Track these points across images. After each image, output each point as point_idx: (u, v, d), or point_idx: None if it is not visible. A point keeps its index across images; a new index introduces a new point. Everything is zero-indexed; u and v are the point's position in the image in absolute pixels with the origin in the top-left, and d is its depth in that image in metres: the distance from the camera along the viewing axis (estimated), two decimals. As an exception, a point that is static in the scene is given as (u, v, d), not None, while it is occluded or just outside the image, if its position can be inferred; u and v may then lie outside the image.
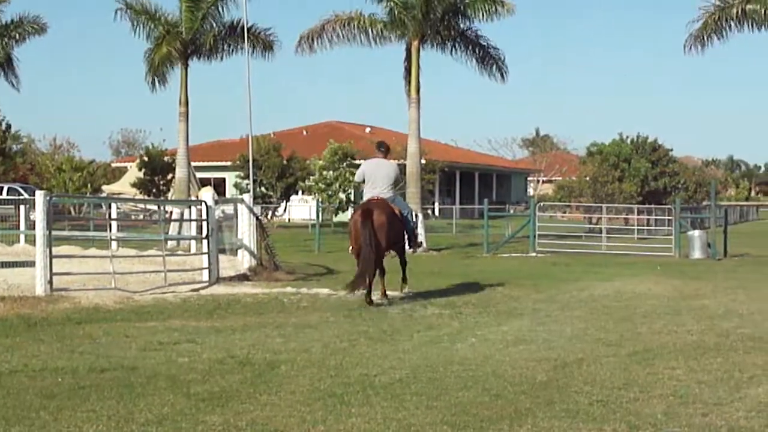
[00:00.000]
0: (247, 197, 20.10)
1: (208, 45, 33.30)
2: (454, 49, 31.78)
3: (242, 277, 17.70)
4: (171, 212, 26.42)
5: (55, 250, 14.69)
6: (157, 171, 45.16)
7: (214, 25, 33.24)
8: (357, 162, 43.38)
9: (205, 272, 16.78)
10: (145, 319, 12.14)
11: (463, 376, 8.45)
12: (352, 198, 44.40)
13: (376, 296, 14.25)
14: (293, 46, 31.88)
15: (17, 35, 39.37)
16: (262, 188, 42.36)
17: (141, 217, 39.65)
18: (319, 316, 12.68)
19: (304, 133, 61.92)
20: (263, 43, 34.24)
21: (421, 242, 16.47)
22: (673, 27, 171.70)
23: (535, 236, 28.16)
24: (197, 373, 8.51)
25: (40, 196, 14.35)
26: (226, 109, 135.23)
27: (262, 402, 7.42)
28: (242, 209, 19.27)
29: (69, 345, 9.98)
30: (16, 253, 20.47)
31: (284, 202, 44.33)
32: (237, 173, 43.73)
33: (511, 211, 51.97)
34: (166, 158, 45.09)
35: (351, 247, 14.69)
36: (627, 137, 50.16)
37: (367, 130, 62.83)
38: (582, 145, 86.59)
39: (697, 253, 25.92)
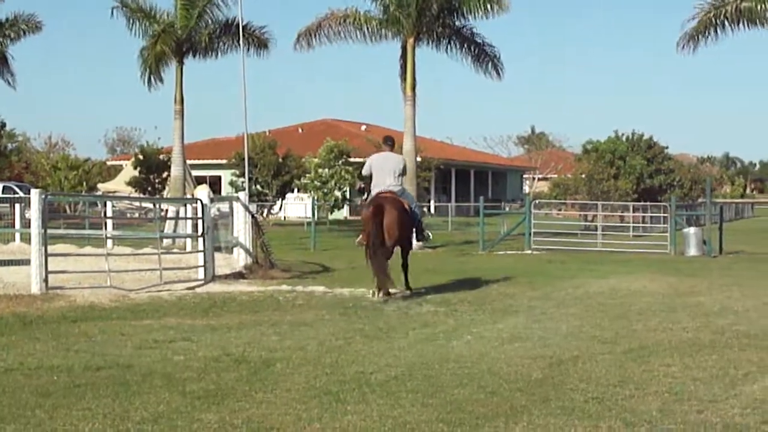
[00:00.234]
0: (243, 195, 20.06)
1: (203, 43, 33.26)
2: (449, 46, 31.77)
3: (238, 275, 17.69)
4: (166, 210, 26.42)
5: (51, 249, 14.68)
6: (152, 169, 45.15)
7: (209, 22, 33.19)
8: (352, 160, 43.45)
9: (201, 270, 16.77)
10: (141, 317, 12.13)
11: (459, 374, 8.46)
12: (348, 196, 44.42)
13: (393, 290, 14.66)
14: (290, 44, 31.81)
15: (12, 34, 39.29)
16: (258, 186, 42.35)
17: (136, 215, 39.63)
18: (314, 313, 12.67)
19: (300, 130, 61.88)
20: (258, 40, 34.20)
21: (429, 235, 16.63)
22: (669, 25, 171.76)
23: (530, 234, 28.19)
24: (193, 371, 8.51)
25: (35, 194, 14.33)
26: (221, 107, 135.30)
27: (258, 400, 7.42)
28: (238, 207, 19.26)
29: (64, 343, 9.97)
30: (11, 251, 20.46)
31: (280, 200, 44.33)
32: (232, 171, 43.74)
33: (507, 209, 52.01)
34: (161, 156, 45.07)
35: (363, 242, 14.97)
36: (622, 135, 50.22)
37: (363, 127, 62.82)
38: (577, 142, 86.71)
39: (692, 251, 25.95)
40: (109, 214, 26.76)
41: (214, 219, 18.53)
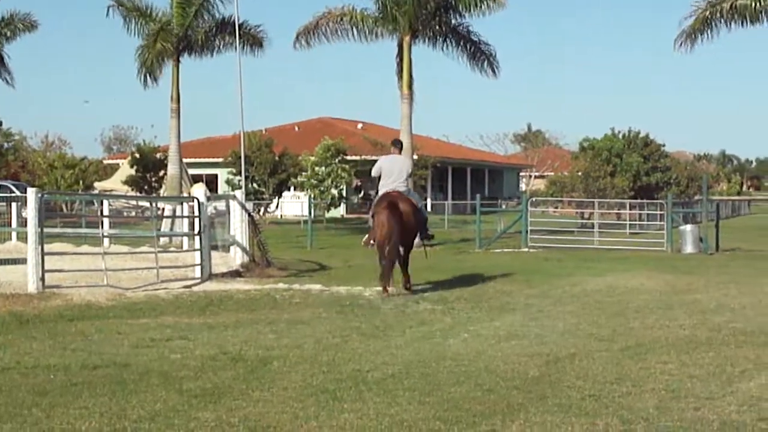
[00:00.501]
0: (239, 194, 20.06)
1: (199, 41, 33.23)
2: (445, 44, 31.74)
3: (234, 274, 17.68)
4: (163, 209, 26.39)
5: (47, 248, 14.65)
6: (148, 168, 45.08)
7: (206, 21, 33.16)
8: (349, 158, 43.47)
9: (198, 269, 16.76)
10: (138, 316, 12.13)
11: (456, 372, 8.46)
12: (344, 194, 44.42)
13: (391, 289, 14.77)
14: (287, 42, 31.97)
15: (8, 33, 39.23)
16: (254, 184, 42.33)
17: (133, 213, 39.58)
18: (311, 312, 12.68)
19: (296, 129, 61.84)
20: (254, 39, 34.18)
21: (432, 234, 17.34)
22: (666, 23, 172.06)
23: (527, 231, 28.19)
24: (190, 370, 8.51)
25: (31, 193, 14.31)
26: (217, 105, 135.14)
27: (255, 398, 7.43)
28: (234, 206, 19.26)
29: (61, 342, 9.97)
30: (7, 250, 20.43)
31: (276, 198, 44.30)
32: (229, 170, 43.69)
33: (503, 207, 52.06)
34: (157, 155, 44.99)
35: (371, 240, 15.44)
36: (619, 132, 50.27)
37: (359, 126, 62.82)
38: (574, 140, 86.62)
39: (689, 248, 25.96)
40: (106, 212, 26.73)
41: (210, 217, 18.53)
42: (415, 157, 40.12)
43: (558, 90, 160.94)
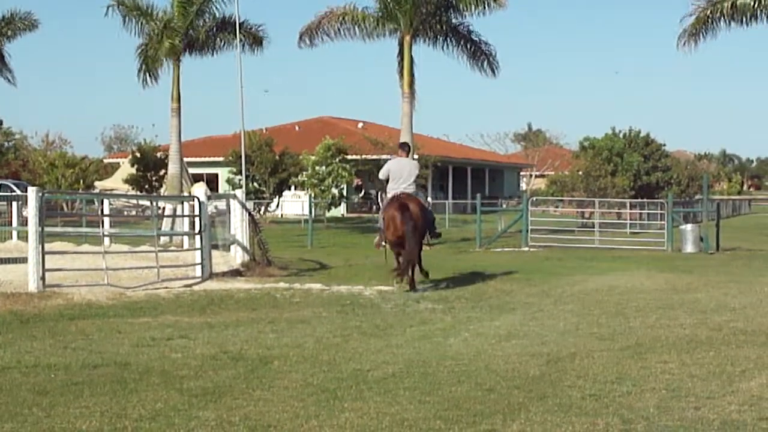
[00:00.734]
0: (240, 193, 20.06)
1: (200, 40, 33.24)
2: (445, 43, 31.79)
3: (235, 273, 17.68)
4: (163, 208, 26.38)
5: (48, 247, 14.67)
6: (149, 167, 45.04)
7: (206, 20, 33.17)
8: (350, 158, 43.47)
9: (198, 268, 16.77)
10: (138, 315, 12.13)
11: (456, 371, 8.46)
12: (345, 193, 44.39)
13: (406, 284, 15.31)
14: (287, 42, 32.39)
15: (9, 32, 39.24)
16: (255, 184, 42.31)
17: (134, 213, 39.57)
18: (311, 311, 12.68)
19: (297, 128, 61.81)
20: (254, 38, 34.21)
21: (440, 232, 18.02)
22: (667, 22, 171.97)
23: (527, 231, 28.19)
24: (190, 369, 8.51)
25: (32, 192, 14.31)
26: (218, 105, 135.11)
27: (255, 397, 7.43)
28: (235, 205, 19.25)
29: (62, 341, 9.97)
30: (8, 249, 20.42)
31: (277, 197, 44.29)
32: (229, 169, 43.68)
33: (504, 206, 52.03)
34: (158, 154, 44.95)
35: (383, 240, 16.09)
36: (620, 131, 50.19)
37: (360, 125, 62.77)
38: (574, 139, 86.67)
39: (689, 247, 25.97)
40: (107, 211, 26.71)
41: (211, 217, 18.53)
42: (416, 156, 40.08)
43: (558, 89, 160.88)
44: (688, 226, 27.05)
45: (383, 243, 16.14)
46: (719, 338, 10.37)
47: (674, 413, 6.98)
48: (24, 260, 14.43)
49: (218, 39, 33.90)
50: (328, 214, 42.48)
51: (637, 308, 13.02)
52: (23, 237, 17.60)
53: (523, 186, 76.94)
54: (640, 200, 40.24)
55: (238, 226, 18.97)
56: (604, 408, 7.12)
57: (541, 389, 7.76)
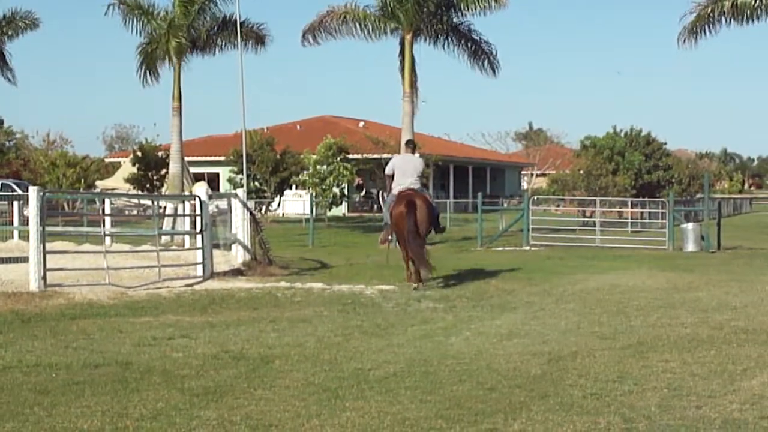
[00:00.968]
0: (241, 192, 20.06)
1: (201, 40, 33.22)
2: (446, 43, 31.76)
3: (236, 272, 17.68)
4: (165, 207, 26.37)
5: (49, 246, 14.68)
6: (150, 166, 45.06)
7: (208, 19, 33.14)
8: (351, 156, 43.47)
9: (199, 267, 16.77)
10: (139, 315, 12.13)
11: (458, 370, 8.46)
12: (346, 192, 44.39)
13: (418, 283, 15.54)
14: (289, 41, 32.65)
15: (10, 31, 39.23)
16: (256, 183, 42.32)
17: (135, 212, 39.58)
18: (313, 310, 12.68)
19: (298, 127, 61.80)
20: (256, 36, 34.19)
21: (444, 227, 18.44)
22: (668, 21, 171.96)
23: (528, 230, 28.18)
24: (191, 368, 8.51)
25: (33, 191, 14.31)
26: (219, 104, 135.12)
27: (257, 397, 7.43)
28: (236, 204, 19.25)
29: (63, 341, 9.97)
30: (9, 249, 20.42)
31: (278, 196, 44.30)
32: (230, 168, 43.68)
33: (505, 205, 52.02)
34: (159, 153, 44.97)
35: (388, 236, 16.60)
36: (621, 130, 50.15)
37: (361, 124, 62.75)
38: (575, 138, 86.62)
39: (690, 246, 25.96)
40: (108, 211, 26.72)
41: (212, 216, 18.52)
42: (417, 155, 40.07)
43: (559, 88, 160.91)
44: (689, 225, 27.03)
45: (389, 238, 16.56)
46: (720, 337, 10.36)
47: (676, 412, 6.98)
48: (25, 260, 14.44)
49: (220, 38, 33.87)
50: (329, 214, 42.50)
51: (638, 307, 13.02)
52: (24, 236, 17.59)
53: (525, 185, 76.88)
54: (641, 199, 40.20)
55: (240, 225, 18.96)
56: (606, 407, 7.12)
57: (542, 388, 7.75)
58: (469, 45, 32.01)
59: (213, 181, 49.24)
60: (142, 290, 14.63)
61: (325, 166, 41.92)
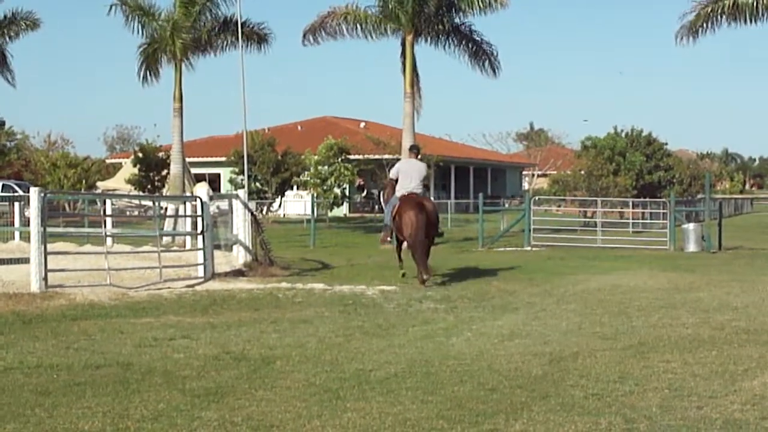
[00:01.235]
0: (242, 193, 20.06)
1: (202, 40, 33.22)
2: (447, 43, 31.78)
3: (237, 273, 17.68)
4: (166, 208, 26.38)
5: (50, 247, 14.67)
6: (151, 167, 45.04)
7: (209, 19, 33.15)
8: (352, 157, 43.48)
9: (200, 268, 16.77)
10: (140, 316, 12.13)
11: (459, 371, 8.46)
12: (347, 193, 44.38)
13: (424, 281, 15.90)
14: (290, 41, 32.44)
15: (11, 32, 39.24)
16: (257, 184, 42.32)
17: (136, 213, 39.59)
18: (314, 311, 12.68)
19: (299, 128, 61.81)
20: (257, 37, 34.20)
21: (442, 231, 18.71)
22: (668, 21, 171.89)
23: (530, 230, 28.18)
24: (193, 369, 8.51)
25: (34, 192, 14.32)
26: (220, 104, 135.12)
27: (258, 397, 7.43)
28: (237, 205, 19.25)
29: (64, 341, 9.97)
30: (10, 250, 20.45)
31: (279, 197, 44.30)
32: (232, 169, 43.68)
33: (506, 205, 52.01)
34: (160, 154, 44.96)
35: (388, 236, 16.87)
36: (622, 131, 50.17)
37: (362, 125, 62.77)
38: (576, 139, 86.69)
39: (691, 247, 25.96)
40: (109, 212, 26.72)
41: (213, 217, 18.53)
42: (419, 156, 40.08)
43: (560, 89, 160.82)
44: (691, 225, 27.03)
45: (388, 239, 16.90)
46: (722, 337, 10.36)
47: (677, 412, 6.98)
48: (26, 261, 14.44)
49: (221, 39, 33.88)
50: (330, 214, 42.50)
51: (639, 307, 13.02)
52: (25, 237, 17.61)
53: (526, 185, 76.88)
54: (642, 199, 40.21)
55: (241, 226, 18.97)
56: (607, 407, 7.12)
57: (543, 389, 7.75)
58: (470, 46, 32.04)
59: (214, 181, 49.25)
60: (144, 291, 14.63)
61: (326, 167, 41.92)
